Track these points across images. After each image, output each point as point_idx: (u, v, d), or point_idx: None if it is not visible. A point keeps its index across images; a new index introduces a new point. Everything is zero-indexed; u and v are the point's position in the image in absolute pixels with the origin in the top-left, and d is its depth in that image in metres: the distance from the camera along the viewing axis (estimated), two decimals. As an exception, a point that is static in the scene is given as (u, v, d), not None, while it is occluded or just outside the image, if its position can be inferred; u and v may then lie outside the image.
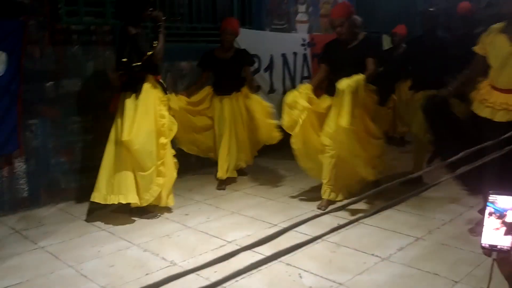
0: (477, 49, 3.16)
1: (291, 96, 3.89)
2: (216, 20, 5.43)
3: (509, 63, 2.91)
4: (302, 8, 6.34)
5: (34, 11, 3.93)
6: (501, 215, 1.29)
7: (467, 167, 1.23)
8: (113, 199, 3.66)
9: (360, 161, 3.92)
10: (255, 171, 5.08)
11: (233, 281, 1.24)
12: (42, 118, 4.10)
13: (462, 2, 5.31)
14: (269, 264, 0.93)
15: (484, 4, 7.37)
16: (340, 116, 3.61)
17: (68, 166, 4.30)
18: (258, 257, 0.78)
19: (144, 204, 3.74)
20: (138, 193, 3.69)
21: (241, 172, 4.94)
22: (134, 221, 3.78)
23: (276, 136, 4.62)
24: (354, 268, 2.91)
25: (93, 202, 3.89)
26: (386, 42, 7.10)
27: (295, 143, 3.93)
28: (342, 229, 3.35)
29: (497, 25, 3.07)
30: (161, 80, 3.94)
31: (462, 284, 2.67)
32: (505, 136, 1.39)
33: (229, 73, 4.62)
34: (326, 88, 4.14)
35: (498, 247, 1.27)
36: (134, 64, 3.63)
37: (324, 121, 3.92)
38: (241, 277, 2.49)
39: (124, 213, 3.86)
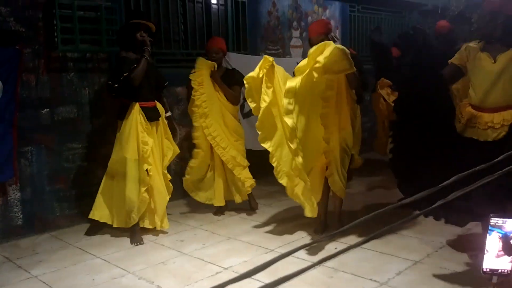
0: (454, 60, 3.16)
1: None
2: (211, 46, 5.49)
3: (490, 81, 2.92)
4: (296, 33, 6.43)
5: (29, 39, 3.97)
6: (507, 238, 1.27)
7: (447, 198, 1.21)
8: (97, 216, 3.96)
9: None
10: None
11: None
12: (37, 145, 4.10)
13: (440, 21, 5.42)
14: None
15: (476, 26, 7.49)
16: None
17: (63, 193, 4.28)
18: (256, 284, 0.76)
19: (129, 225, 3.82)
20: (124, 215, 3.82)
21: (251, 207, 4.73)
22: (129, 248, 3.74)
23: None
24: (352, 293, 2.86)
25: (88, 230, 3.89)
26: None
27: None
28: (340, 254, 3.33)
29: (476, 44, 3.08)
30: (157, 106, 3.98)
31: (461, 308, 2.63)
32: (494, 161, 1.38)
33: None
34: None
35: (499, 271, 1.26)
36: (114, 86, 3.71)
37: None
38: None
39: (118, 237, 3.83)
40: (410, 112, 3.15)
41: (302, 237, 3.83)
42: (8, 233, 3.97)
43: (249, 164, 4.52)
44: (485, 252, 1.30)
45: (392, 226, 1.06)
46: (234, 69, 4.64)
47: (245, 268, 3.16)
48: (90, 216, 3.95)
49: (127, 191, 3.75)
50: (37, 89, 4.06)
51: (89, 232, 4.14)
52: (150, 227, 3.95)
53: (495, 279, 1.28)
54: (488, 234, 1.29)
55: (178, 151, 4.24)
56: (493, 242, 1.30)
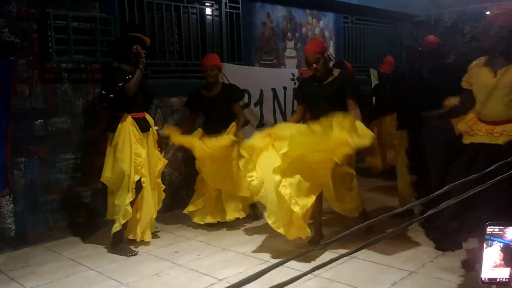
0: (463, 84, 3.21)
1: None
2: (206, 57, 5.51)
3: (492, 96, 2.95)
4: (290, 44, 6.47)
5: (24, 50, 3.97)
6: (507, 247, 1.26)
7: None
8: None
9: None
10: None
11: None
12: (30, 156, 4.08)
13: (429, 36, 5.42)
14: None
15: (469, 38, 7.57)
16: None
17: (56, 205, 4.25)
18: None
19: (112, 233, 3.81)
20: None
21: (254, 216, 4.73)
22: (122, 260, 3.71)
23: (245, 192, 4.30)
24: (348, 304, 2.85)
25: (85, 241, 3.87)
26: (374, 76, 7.23)
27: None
28: (335, 264, 3.32)
29: (480, 60, 3.13)
30: (146, 117, 3.97)
31: (457, 319, 2.62)
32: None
33: (218, 111, 4.40)
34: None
35: (498, 279, 1.25)
36: (110, 96, 3.70)
37: None
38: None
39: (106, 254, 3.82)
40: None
41: (298, 248, 3.82)
42: (0, 244, 3.93)
43: None
44: (483, 261, 1.29)
45: (385, 236, 1.06)
46: (230, 84, 4.61)
47: (240, 279, 3.14)
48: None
49: (116, 199, 3.77)
50: (31, 99, 4.05)
51: (83, 244, 4.11)
52: (135, 239, 3.95)
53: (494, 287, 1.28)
54: (485, 244, 1.28)
55: (166, 161, 4.27)
56: (492, 253, 1.29)
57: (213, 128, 4.41)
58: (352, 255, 3.45)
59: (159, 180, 4.14)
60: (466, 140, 3.08)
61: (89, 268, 3.55)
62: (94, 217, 4.46)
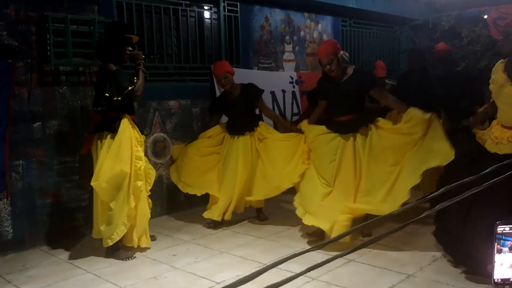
0: (490, 87, 3.23)
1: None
2: (204, 60, 5.52)
3: (507, 100, 2.96)
4: (288, 47, 6.48)
5: (22, 53, 3.98)
6: None
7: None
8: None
9: None
10: (244, 209, 5.03)
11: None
12: (28, 159, 4.07)
13: (439, 44, 5.46)
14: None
15: (466, 42, 7.59)
16: None
17: (54, 208, 4.24)
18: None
19: (110, 244, 3.68)
20: (105, 231, 3.70)
21: (260, 216, 4.74)
22: (120, 263, 3.70)
23: (295, 181, 4.27)
24: (346, 308, 2.85)
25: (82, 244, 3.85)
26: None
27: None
28: (333, 267, 3.32)
29: (501, 62, 3.12)
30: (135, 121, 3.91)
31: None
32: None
33: (239, 113, 4.53)
34: (327, 125, 4.08)
35: (511, 279, 1.23)
36: (114, 99, 3.60)
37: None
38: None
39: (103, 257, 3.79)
40: None
41: (296, 251, 3.81)
42: (-2, 248, 3.92)
43: None
44: (494, 262, 1.26)
45: (379, 237, 1.06)
46: (248, 83, 4.65)
47: (238, 282, 3.14)
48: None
49: (113, 205, 3.63)
50: (30, 102, 4.05)
51: (80, 247, 4.10)
52: (130, 245, 3.82)
53: None
54: (497, 244, 1.25)
55: (154, 172, 4.14)
56: (503, 252, 1.25)
57: (237, 129, 4.54)
58: (350, 258, 3.47)
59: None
60: (490, 148, 3.10)
61: (86, 271, 3.55)
62: (91, 220, 4.44)
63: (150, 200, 4.06)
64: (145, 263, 3.71)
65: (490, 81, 3.22)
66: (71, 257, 3.85)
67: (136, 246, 3.85)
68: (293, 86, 6.25)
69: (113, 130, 3.65)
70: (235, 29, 5.78)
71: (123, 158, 3.62)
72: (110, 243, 3.67)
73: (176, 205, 5.15)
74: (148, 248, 3.98)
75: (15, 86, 3.88)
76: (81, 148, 4.00)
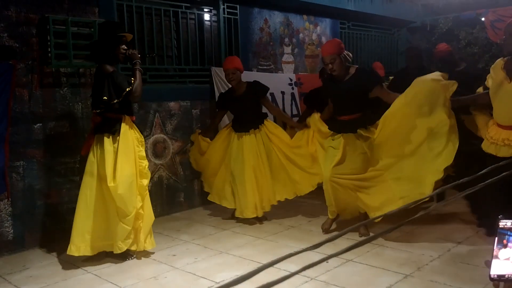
0: (487, 82, 3.24)
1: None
2: (204, 62, 5.56)
3: (506, 99, 2.96)
4: (287, 49, 6.51)
5: (23, 54, 4.00)
6: None
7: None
8: (86, 251, 3.62)
9: None
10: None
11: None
12: (29, 159, 4.09)
13: (440, 45, 5.49)
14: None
15: (464, 44, 7.63)
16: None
17: (54, 208, 4.26)
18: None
19: (118, 251, 3.63)
20: (114, 240, 3.62)
21: (259, 217, 4.73)
22: (120, 262, 3.72)
23: (313, 185, 4.52)
24: (344, 307, 2.87)
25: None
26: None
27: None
28: (331, 267, 3.34)
29: (500, 60, 3.13)
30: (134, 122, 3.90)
31: (452, 321, 2.64)
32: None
33: (244, 109, 4.59)
34: (329, 124, 4.19)
35: (506, 276, 1.21)
36: (114, 102, 3.59)
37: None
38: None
39: (109, 252, 3.78)
40: None
41: (295, 251, 3.83)
42: (-2, 248, 3.94)
43: None
44: (493, 257, 1.23)
45: (374, 236, 1.08)
46: (254, 81, 4.73)
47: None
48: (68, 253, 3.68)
49: (126, 206, 3.57)
50: (30, 103, 4.08)
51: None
52: (136, 249, 3.76)
53: (501, 286, 1.24)
54: (497, 238, 1.23)
55: (149, 175, 4.03)
56: (502, 247, 1.24)
57: (241, 127, 4.61)
58: (348, 258, 3.49)
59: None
60: (486, 147, 3.10)
61: (86, 272, 3.57)
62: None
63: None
64: (145, 263, 3.73)
65: (487, 76, 3.22)
66: (71, 257, 3.84)
67: (142, 249, 3.77)
68: (292, 88, 6.28)
69: (113, 132, 3.63)
70: (234, 31, 5.82)
71: (130, 159, 3.61)
72: (119, 251, 3.64)
73: (175, 205, 5.18)
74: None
75: (15, 87, 3.91)
76: (81, 149, 4.01)
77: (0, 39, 3.88)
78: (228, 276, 3.38)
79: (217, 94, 5.22)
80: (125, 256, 3.75)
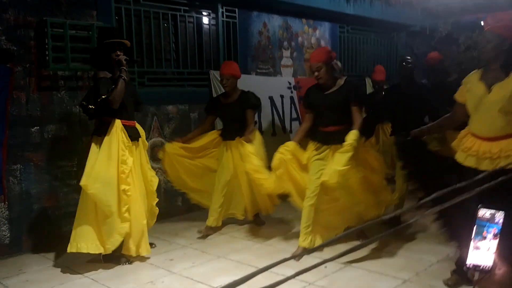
0: (456, 96, 3.12)
1: (274, 160, 3.85)
2: (203, 66, 5.55)
3: (486, 111, 2.85)
4: (286, 53, 6.51)
5: (21, 57, 3.99)
6: (495, 232, 1.22)
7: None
8: (74, 248, 3.61)
9: (363, 206, 3.82)
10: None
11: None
12: (26, 163, 4.08)
13: (431, 53, 5.43)
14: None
15: (463, 48, 7.64)
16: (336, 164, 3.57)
17: (51, 212, 4.25)
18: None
19: (108, 252, 3.64)
20: (100, 241, 3.63)
21: (257, 221, 4.74)
22: (117, 267, 3.70)
23: (271, 208, 4.56)
24: (342, 312, 2.85)
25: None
26: (369, 85, 7.27)
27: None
28: (330, 272, 3.33)
29: (475, 72, 3.04)
30: (137, 126, 3.90)
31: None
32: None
33: (232, 117, 4.49)
34: (310, 134, 4.03)
35: (481, 266, 1.21)
36: (89, 107, 3.61)
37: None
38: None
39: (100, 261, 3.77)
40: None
41: (292, 255, 3.82)
42: (-5, 252, 3.92)
43: None
44: (471, 246, 1.24)
45: (370, 240, 1.07)
46: (248, 91, 4.61)
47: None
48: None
49: (109, 211, 3.57)
50: (28, 107, 4.07)
51: (77, 252, 4.09)
52: (127, 253, 3.75)
53: (476, 275, 1.24)
54: (475, 228, 1.23)
55: (157, 179, 4.10)
56: (478, 236, 1.24)
57: (228, 134, 4.54)
58: (347, 263, 3.47)
59: (155, 195, 4.04)
60: (463, 159, 2.94)
61: (83, 276, 3.55)
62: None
63: (156, 208, 4.05)
64: (142, 268, 3.71)
65: (459, 89, 3.09)
66: (68, 262, 3.84)
67: (135, 255, 3.76)
68: (291, 92, 6.28)
69: (101, 133, 3.64)
70: (233, 35, 5.81)
71: (112, 161, 3.59)
72: (104, 252, 3.65)
73: (173, 210, 5.16)
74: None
75: (13, 90, 3.90)
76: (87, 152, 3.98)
77: (-2, 42, 3.88)
78: (226, 281, 3.36)
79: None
80: (119, 260, 3.74)
